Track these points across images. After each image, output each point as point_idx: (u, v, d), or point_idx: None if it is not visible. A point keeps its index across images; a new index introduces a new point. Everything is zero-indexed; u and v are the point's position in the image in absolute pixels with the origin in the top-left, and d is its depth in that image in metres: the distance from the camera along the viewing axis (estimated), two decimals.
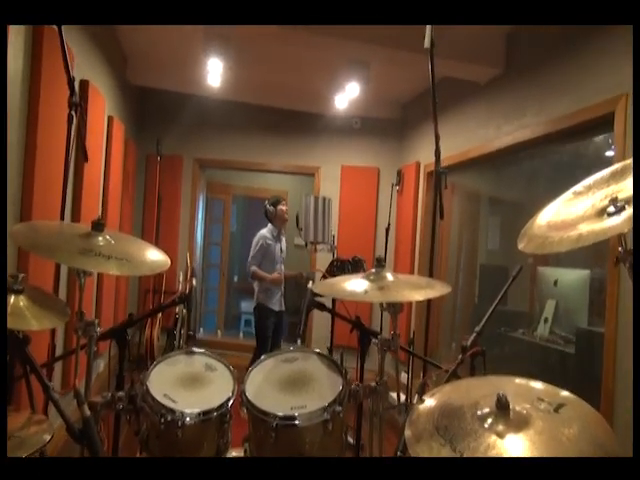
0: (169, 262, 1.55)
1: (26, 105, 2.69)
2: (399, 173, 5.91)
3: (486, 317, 1.84)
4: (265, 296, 4.38)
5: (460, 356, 1.67)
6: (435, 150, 2.08)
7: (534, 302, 4.59)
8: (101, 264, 1.35)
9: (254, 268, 4.31)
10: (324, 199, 4.37)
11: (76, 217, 3.59)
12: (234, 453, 1.73)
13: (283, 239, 4.59)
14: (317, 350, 1.77)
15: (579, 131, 3.31)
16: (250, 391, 1.58)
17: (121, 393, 1.53)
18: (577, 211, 1.25)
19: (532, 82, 3.69)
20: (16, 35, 2.51)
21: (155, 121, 6.04)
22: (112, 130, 4.43)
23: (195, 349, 1.72)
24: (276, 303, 4.43)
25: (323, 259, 5.53)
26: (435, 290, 1.57)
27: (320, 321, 5.19)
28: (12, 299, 1.33)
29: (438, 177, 2.07)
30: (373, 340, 1.72)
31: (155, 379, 1.57)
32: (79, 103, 2.00)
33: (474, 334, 1.75)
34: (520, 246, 1.33)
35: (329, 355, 1.74)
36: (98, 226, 1.46)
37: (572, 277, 4.01)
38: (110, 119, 4.42)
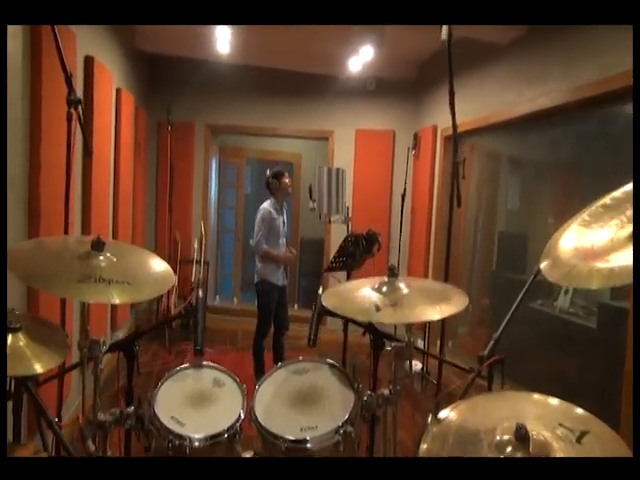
0: (173, 278, 1.50)
1: (28, 92, 2.61)
2: (415, 137, 5.74)
3: (504, 323, 1.76)
4: (268, 271, 4.30)
5: (477, 367, 1.62)
6: (453, 139, 1.96)
7: None
8: (101, 292, 1.29)
9: (265, 247, 4.21)
10: (338, 170, 4.26)
11: (87, 197, 3.56)
12: (247, 455, 1.71)
13: (285, 212, 4.49)
14: (329, 361, 1.72)
15: (607, 100, 3.13)
16: (259, 409, 1.54)
17: (129, 410, 1.50)
18: (608, 234, 1.14)
19: (557, 45, 3.46)
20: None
21: (165, 87, 5.91)
22: (121, 102, 4.32)
23: (204, 362, 1.67)
24: (279, 277, 4.36)
25: (337, 230, 5.46)
26: (452, 304, 1.50)
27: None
28: (10, 339, 1.25)
29: (455, 166, 1.96)
30: (387, 347, 1.66)
31: (162, 400, 1.53)
32: (79, 100, 1.92)
33: (492, 341, 1.69)
34: (542, 265, 1.24)
35: (341, 366, 1.69)
36: (98, 245, 1.39)
37: None
38: (118, 91, 4.31)
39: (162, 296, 5.60)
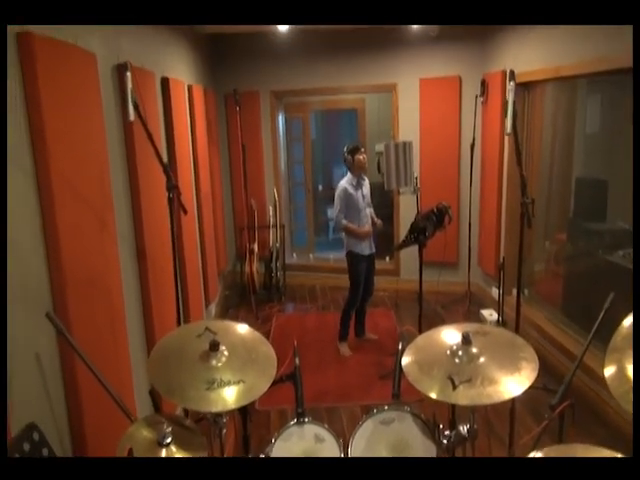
0: (275, 358, 1.73)
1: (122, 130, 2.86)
2: (483, 82, 5.54)
3: (575, 365, 1.87)
4: (355, 242, 4.51)
5: (547, 415, 1.77)
6: (521, 193, 2.00)
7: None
8: (225, 400, 1.53)
9: (345, 222, 4.40)
10: (404, 144, 4.30)
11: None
12: None
13: (364, 183, 4.59)
14: (410, 410, 1.93)
15: None
16: None
17: None
18: None
19: None
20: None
21: (228, 62, 6.08)
22: (193, 96, 4.55)
23: (305, 419, 1.94)
24: (366, 247, 4.57)
25: (406, 201, 5.53)
26: (524, 372, 1.64)
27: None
28: (164, 453, 1.47)
29: (525, 207, 2.02)
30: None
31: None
32: (175, 186, 2.14)
33: (562, 386, 1.82)
34: (606, 373, 1.34)
35: (421, 416, 1.90)
36: (214, 346, 1.65)
37: None
38: (190, 88, 4.52)
39: (244, 260, 6.02)
